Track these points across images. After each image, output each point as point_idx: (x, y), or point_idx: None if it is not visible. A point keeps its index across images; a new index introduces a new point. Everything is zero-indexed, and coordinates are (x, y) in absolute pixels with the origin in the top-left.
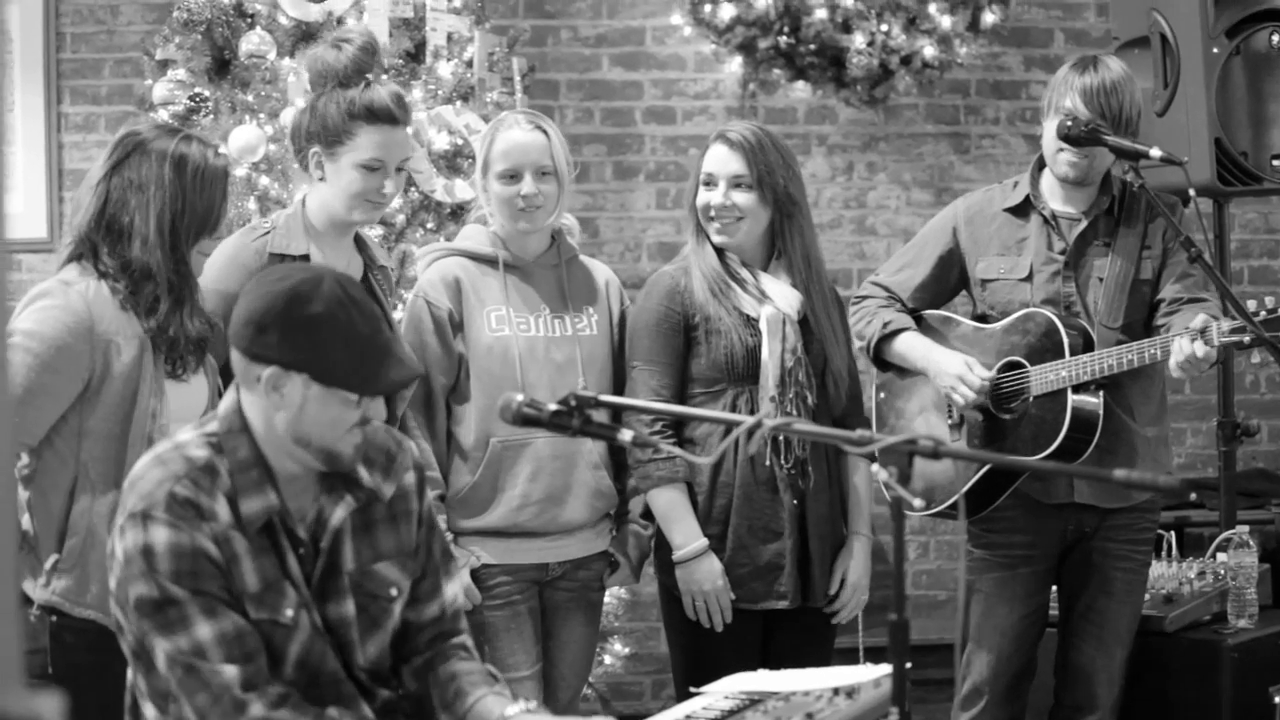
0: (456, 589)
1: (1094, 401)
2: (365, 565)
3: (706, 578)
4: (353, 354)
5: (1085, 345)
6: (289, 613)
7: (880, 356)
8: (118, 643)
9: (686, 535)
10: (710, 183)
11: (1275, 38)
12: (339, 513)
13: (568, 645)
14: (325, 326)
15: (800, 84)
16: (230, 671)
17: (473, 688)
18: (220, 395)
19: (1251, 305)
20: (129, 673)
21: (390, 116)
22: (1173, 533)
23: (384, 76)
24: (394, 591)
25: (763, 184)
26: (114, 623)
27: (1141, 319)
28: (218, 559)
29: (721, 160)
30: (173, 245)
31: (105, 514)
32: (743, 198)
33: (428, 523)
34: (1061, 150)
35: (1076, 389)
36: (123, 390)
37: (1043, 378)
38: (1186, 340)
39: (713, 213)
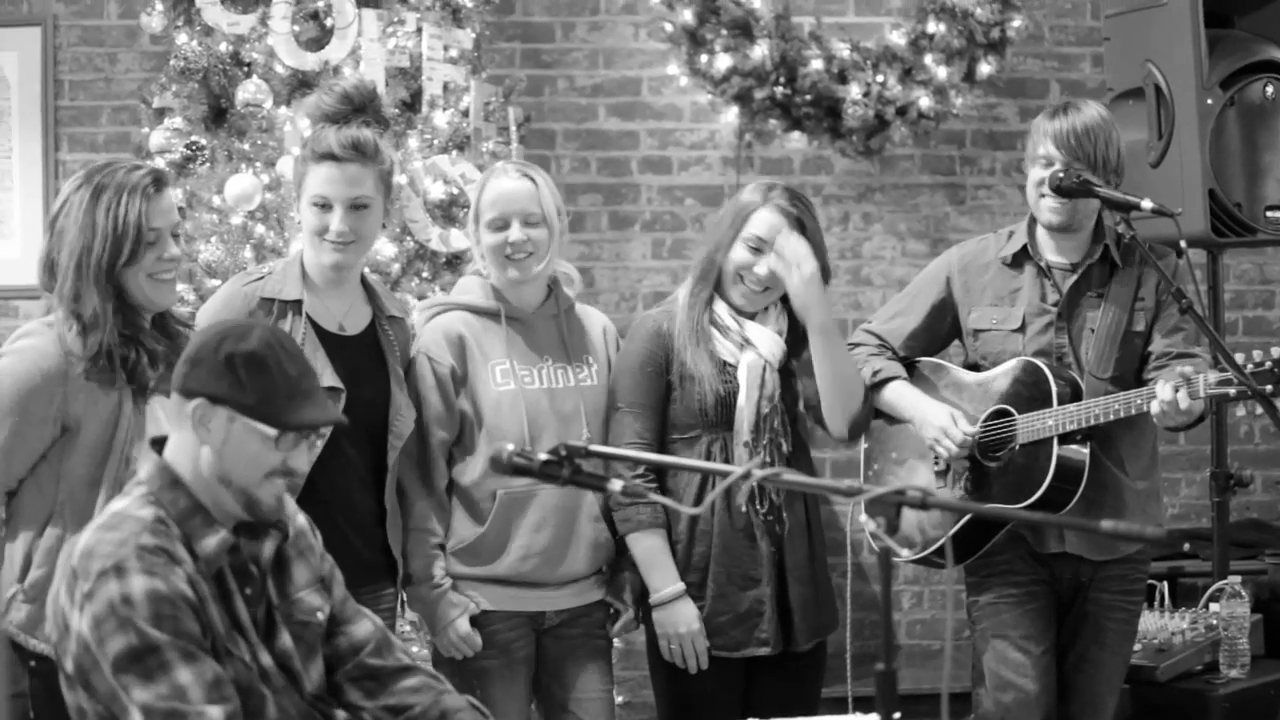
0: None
1: (1081, 452)
2: (290, 596)
3: (682, 621)
4: (273, 390)
5: (1074, 395)
6: (247, 657)
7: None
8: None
9: (664, 579)
10: (760, 249)
11: (1269, 89)
12: (268, 548)
13: (586, 695)
14: (251, 362)
15: (796, 134)
16: (214, 712)
17: None
18: None
19: (1240, 357)
20: None
21: (332, 155)
22: (1165, 583)
23: (378, 122)
24: (320, 615)
25: None
26: (73, 709)
27: (1133, 370)
28: (194, 601)
29: (776, 231)
30: (85, 274)
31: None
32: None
33: (326, 556)
34: (1044, 196)
35: (1063, 439)
36: (100, 434)
37: (1029, 426)
38: (1170, 387)
39: (753, 281)
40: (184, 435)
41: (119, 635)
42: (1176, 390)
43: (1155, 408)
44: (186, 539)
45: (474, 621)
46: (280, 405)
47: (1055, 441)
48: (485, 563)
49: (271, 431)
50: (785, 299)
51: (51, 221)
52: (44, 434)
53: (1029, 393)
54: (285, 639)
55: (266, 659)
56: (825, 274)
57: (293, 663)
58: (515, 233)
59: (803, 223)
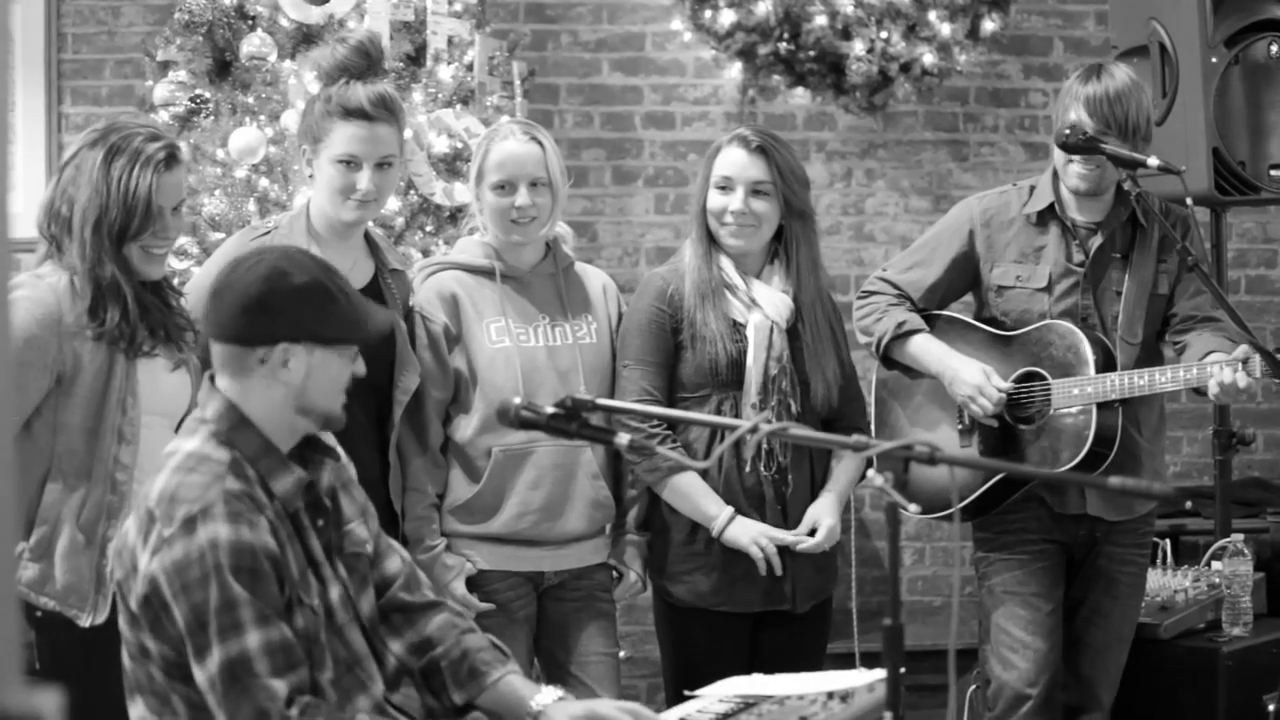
0: (404, 556)
1: (1115, 415)
2: (341, 528)
3: (752, 529)
4: (343, 312)
5: (1106, 361)
6: (316, 601)
7: (888, 355)
8: (76, 632)
9: (716, 505)
10: (727, 187)
11: (1274, 48)
12: (326, 477)
13: (588, 657)
14: (317, 292)
15: (800, 90)
16: (279, 686)
17: (488, 667)
18: None
19: None
20: (139, 698)
21: (363, 113)
22: (1168, 541)
23: (385, 77)
24: (368, 547)
25: (779, 191)
26: (134, 646)
27: (1155, 332)
28: (275, 553)
29: (740, 165)
30: (99, 246)
31: (75, 507)
32: (760, 205)
33: (360, 488)
34: (1071, 162)
35: (1100, 405)
36: (93, 384)
37: (1066, 393)
38: (1229, 370)
39: (729, 218)
40: (246, 380)
41: (199, 587)
42: (1235, 372)
43: (1212, 391)
44: (263, 480)
45: (472, 581)
46: (353, 323)
47: (1095, 408)
48: (481, 520)
49: (352, 350)
50: (782, 245)
51: (60, 169)
52: (40, 384)
53: (1062, 356)
54: (341, 570)
55: (336, 591)
56: (805, 205)
57: (349, 593)
58: (522, 197)
59: (765, 150)
